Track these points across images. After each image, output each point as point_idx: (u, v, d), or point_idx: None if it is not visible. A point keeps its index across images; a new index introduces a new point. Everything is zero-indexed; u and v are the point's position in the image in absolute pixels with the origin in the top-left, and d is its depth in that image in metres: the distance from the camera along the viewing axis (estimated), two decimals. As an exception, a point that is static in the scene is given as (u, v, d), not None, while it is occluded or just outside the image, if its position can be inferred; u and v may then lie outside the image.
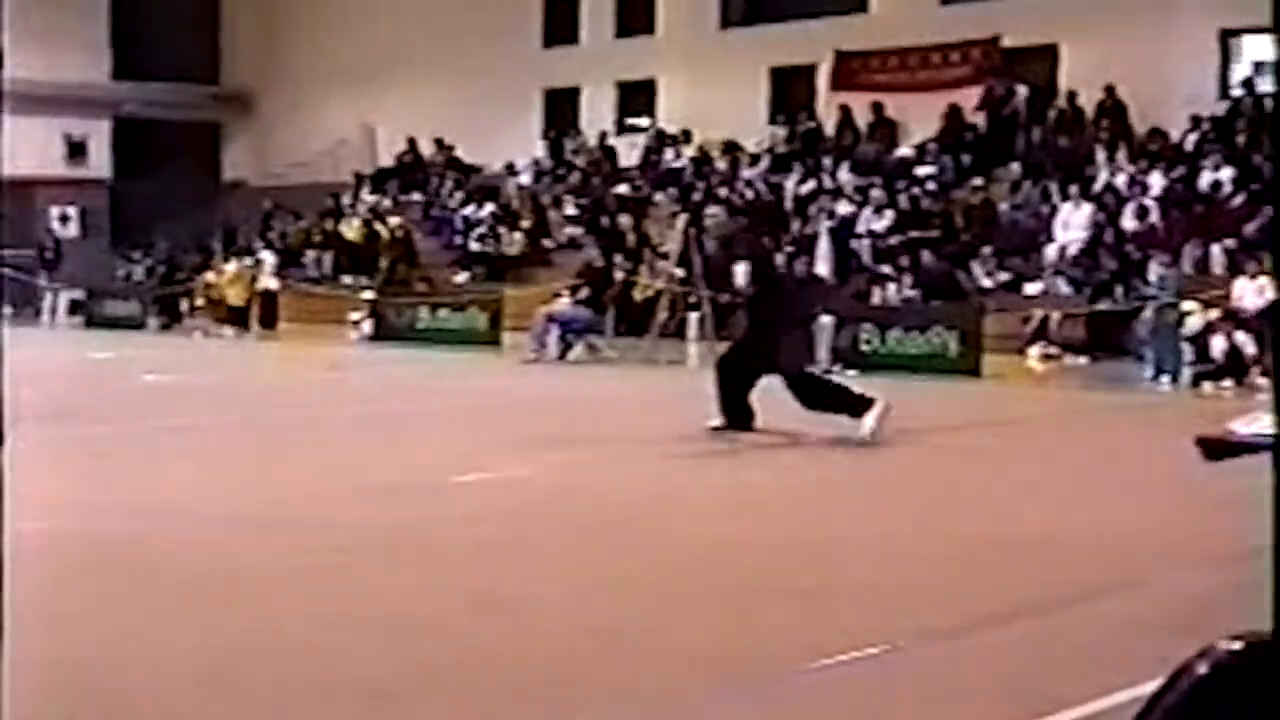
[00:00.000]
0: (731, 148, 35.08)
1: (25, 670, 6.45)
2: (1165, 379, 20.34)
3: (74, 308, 39.64)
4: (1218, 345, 20.07)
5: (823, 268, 27.14)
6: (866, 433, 13.85)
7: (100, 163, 46.57)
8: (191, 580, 8.14)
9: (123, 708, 5.83)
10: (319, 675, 6.25)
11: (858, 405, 14.09)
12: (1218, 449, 3.16)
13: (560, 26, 40.77)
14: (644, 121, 38.72)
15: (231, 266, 34.54)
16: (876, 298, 26.67)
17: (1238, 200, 26.31)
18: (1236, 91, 29.46)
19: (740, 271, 14.50)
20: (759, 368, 14.47)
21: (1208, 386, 19.76)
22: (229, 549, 9.14)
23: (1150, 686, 2.24)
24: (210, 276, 35.02)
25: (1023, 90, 31.81)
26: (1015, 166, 30.17)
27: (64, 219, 45.63)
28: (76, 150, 46.08)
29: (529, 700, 5.92)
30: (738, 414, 14.43)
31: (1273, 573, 0.34)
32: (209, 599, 7.70)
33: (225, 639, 6.87)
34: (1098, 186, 28.33)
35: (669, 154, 36.41)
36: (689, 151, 35.88)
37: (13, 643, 6.70)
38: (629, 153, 37.62)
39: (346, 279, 35.79)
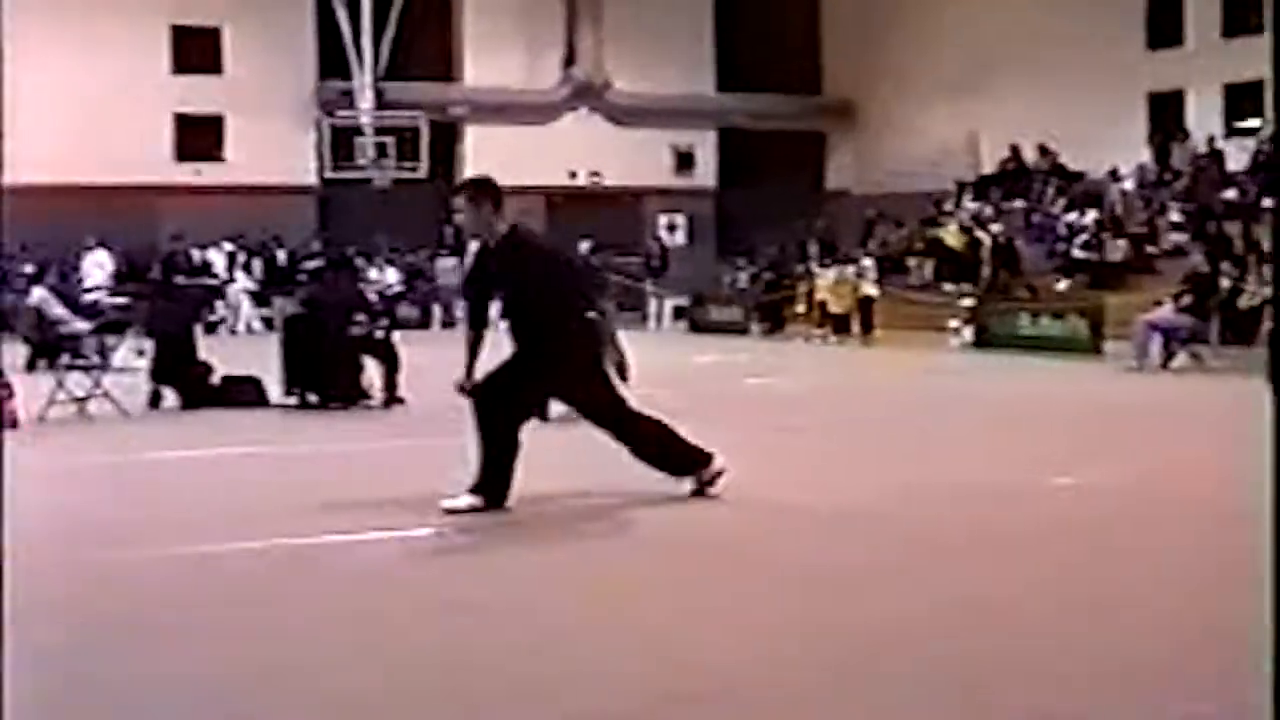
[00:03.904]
0: (1350, 149, 33.63)
1: (625, 644, 6.78)
2: None
3: (678, 313, 40.87)
4: None
5: None
6: (451, 505, 10.47)
7: (706, 172, 47.87)
8: (796, 574, 8.40)
9: (731, 691, 6.05)
10: (920, 666, 6.40)
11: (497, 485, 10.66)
12: None
13: (1165, 28, 39.82)
14: (1254, 124, 37.43)
15: (831, 273, 34.98)
16: None
17: None
18: None
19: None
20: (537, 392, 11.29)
21: None
22: (830, 545, 9.36)
23: None
24: (816, 283, 35.54)
25: None
26: None
27: (671, 227, 47.09)
28: (684, 161, 47.48)
29: (1125, 691, 5.91)
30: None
31: (1273, 574, 0.32)
32: (814, 593, 7.93)
33: (831, 631, 7.08)
34: None
35: (1288, 158, 35.12)
36: (1307, 154, 34.57)
37: (620, 614, 7.03)
38: (1238, 157, 36.44)
39: (947, 286, 35.80)
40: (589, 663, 6.56)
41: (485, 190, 11.08)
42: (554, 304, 10.81)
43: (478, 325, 10.93)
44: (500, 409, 10.69)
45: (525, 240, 11.26)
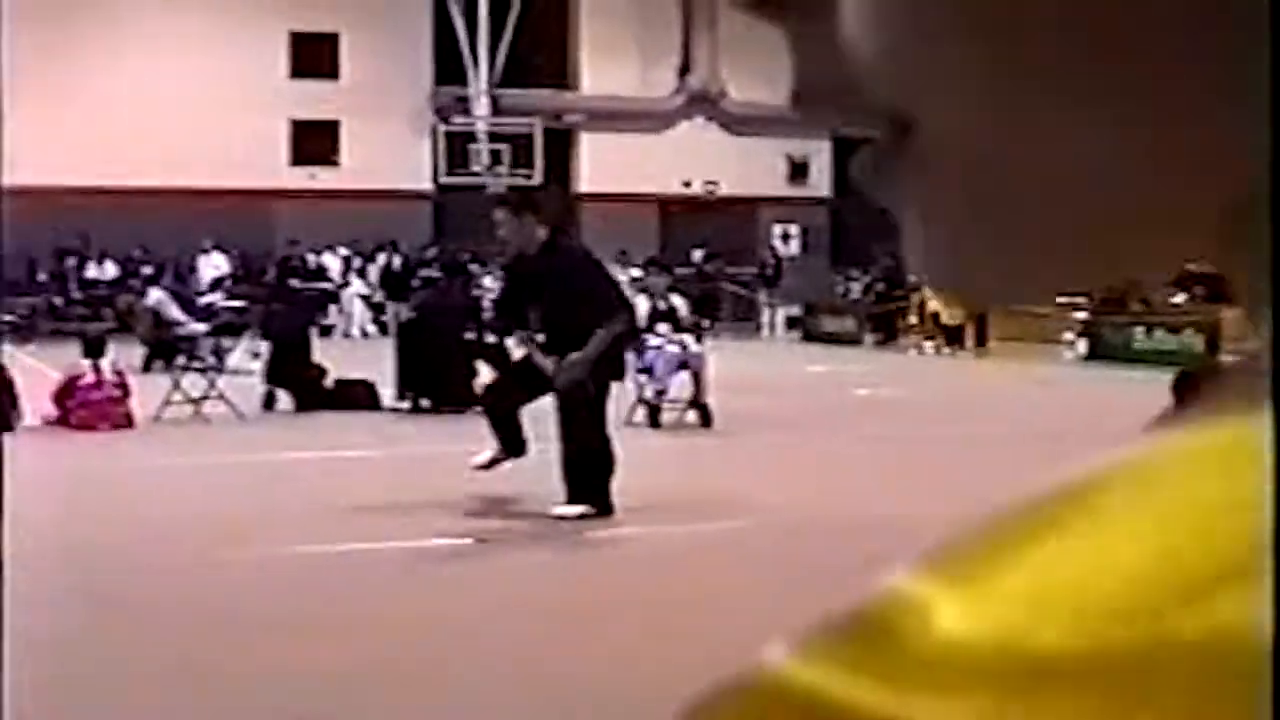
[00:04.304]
0: None
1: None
2: None
3: (791, 323, 40.77)
4: None
5: None
6: (561, 512, 10.75)
7: (820, 182, 47.68)
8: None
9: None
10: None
11: (592, 493, 10.87)
12: None
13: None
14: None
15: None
16: None
17: None
18: None
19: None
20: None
21: None
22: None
23: None
24: (927, 293, 35.36)
25: None
26: None
27: (785, 237, 46.93)
28: (798, 170, 47.32)
29: None
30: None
31: (1273, 574, 0.29)
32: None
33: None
34: None
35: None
36: None
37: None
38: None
39: (1061, 299, 35.38)
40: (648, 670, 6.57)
41: (526, 201, 11.61)
42: (594, 311, 10.98)
43: (521, 330, 11.43)
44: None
45: (566, 248, 11.69)
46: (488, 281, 37.11)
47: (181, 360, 19.94)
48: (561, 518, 10.54)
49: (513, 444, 11.49)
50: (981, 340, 33.24)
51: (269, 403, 18.89)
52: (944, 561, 0.38)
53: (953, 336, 33.45)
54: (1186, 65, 0.41)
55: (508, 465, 11.41)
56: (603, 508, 10.73)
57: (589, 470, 10.84)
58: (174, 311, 24.48)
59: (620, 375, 11.89)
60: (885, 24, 0.46)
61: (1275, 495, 0.30)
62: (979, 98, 0.45)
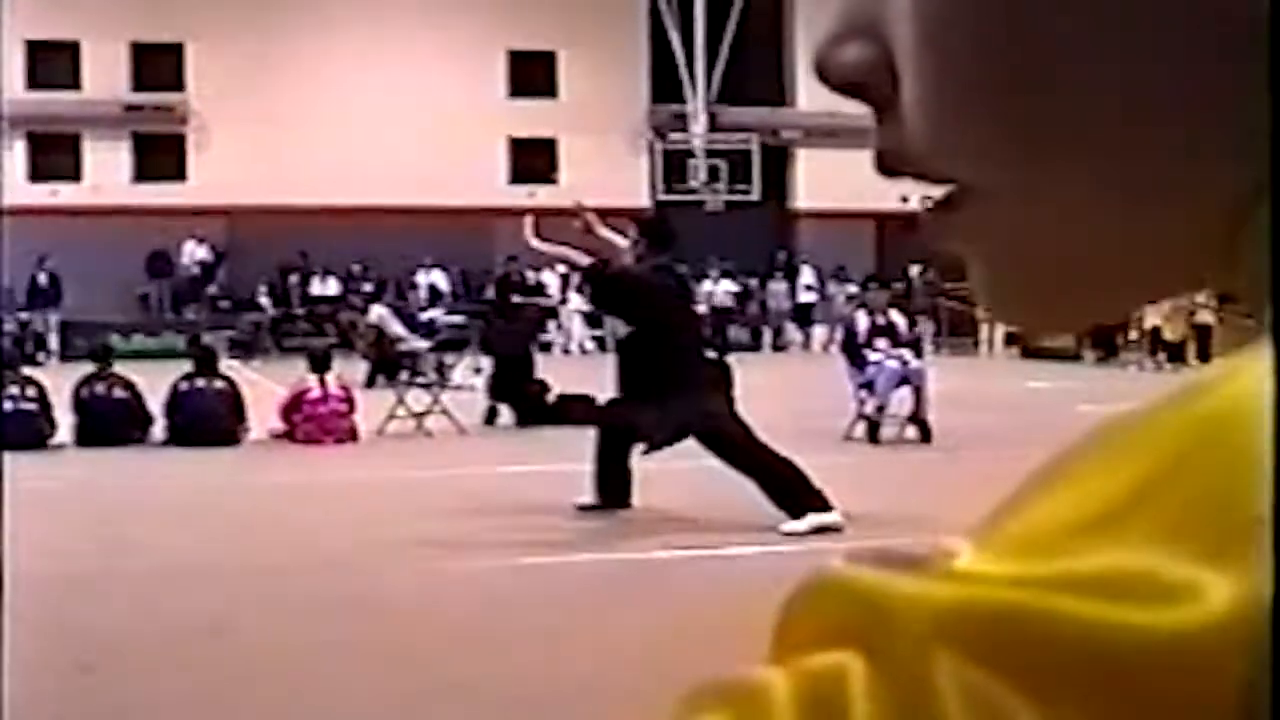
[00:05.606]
0: None
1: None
2: None
3: (1010, 339, 40.32)
4: None
5: None
6: (790, 529, 10.60)
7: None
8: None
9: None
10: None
11: (800, 496, 10.81)
12: None
13: None
14: None
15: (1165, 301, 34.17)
16: None
17: None
18: None
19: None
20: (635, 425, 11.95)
21: None
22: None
23: None
24: (1148, 309, 34.81)
25: None
26: None
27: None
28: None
29: None
30: (613, 486, 11.96)
31: (1273, 577, 0.30)
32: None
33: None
34: None
35: None
36: None
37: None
38: None
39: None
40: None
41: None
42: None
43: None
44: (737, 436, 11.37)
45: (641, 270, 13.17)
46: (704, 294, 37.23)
47: (404, 375, 20.21)
48: (792, 533, 10.53)
49: (616, 490, 11.96)
50: (1204, 357, 32.58)
51: (490, 418, 19.08)
52: (982, 521, 0.45)
53: (1174, 353, 32.87)
54: (1163, 147, 0.50)
55: (736, 478, 11.38)
56: (824, 506, 10.70)
57: (784, 483, 10.84)
58: (396, 328, 24.82)
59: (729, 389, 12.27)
60: (931, 110, 0.56)
61: (1274, 488, 0.34)
62: (996, 170, 0.55)
